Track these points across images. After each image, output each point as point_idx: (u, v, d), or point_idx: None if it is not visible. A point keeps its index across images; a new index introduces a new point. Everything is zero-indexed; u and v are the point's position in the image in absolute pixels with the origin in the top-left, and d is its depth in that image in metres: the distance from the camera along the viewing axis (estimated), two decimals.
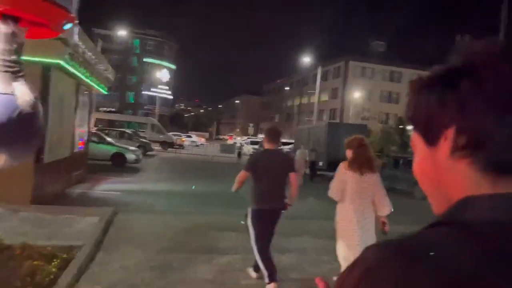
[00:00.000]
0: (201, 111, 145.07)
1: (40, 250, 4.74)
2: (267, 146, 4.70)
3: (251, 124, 75.53)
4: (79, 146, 11.56)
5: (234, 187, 4.65)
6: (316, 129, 22.97)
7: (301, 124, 58.79)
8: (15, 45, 1.26)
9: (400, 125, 41.01)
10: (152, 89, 66.14)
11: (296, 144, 25.42)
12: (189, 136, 46.38)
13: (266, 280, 4.36)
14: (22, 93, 1.21)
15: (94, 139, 16.39)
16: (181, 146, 32.49)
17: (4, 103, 1.16)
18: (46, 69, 7.65)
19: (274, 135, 4.72)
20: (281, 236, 6.79)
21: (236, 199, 8.42)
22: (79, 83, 10.42)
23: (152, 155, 25.01)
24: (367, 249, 0.56)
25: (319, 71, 46.48)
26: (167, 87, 69.95)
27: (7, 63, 1.22)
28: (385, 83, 58.72)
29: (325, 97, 62.10)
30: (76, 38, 7.92)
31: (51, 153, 8.31)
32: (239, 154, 27.91)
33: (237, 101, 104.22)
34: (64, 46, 7.70)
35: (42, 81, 7.60)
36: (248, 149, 30.27)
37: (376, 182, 4.25)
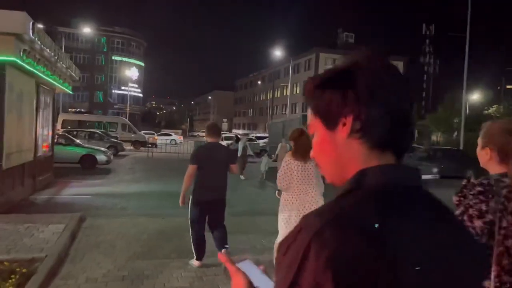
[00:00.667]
0: (173, 108, 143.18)
1: None
2: (209, 140, 5.12)
3: (224, 120, 75.09)
4: (43, 149, 10.93)
5: (183, 187, 4.97)
6: (290, 122, 22.82)
7: (275, 117, 58.74)
8: None
9: None
10: (122, 88, 64.53)
11: (270, 138, 25.24)
12: (168, 134, 44.85)
13: (194, 258, 5.07)
14: None
15: (61, 141, 15.67)
16: (154, 145, 31.71)
17: None
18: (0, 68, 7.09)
19: (214, 130, 5.16)
20: (260, 236, 6.52)
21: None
22: (39, 82, 9.80)
23: (124, 155, 24.27)
24: (308, 217, 0.68)
25: (291, 64, 46.44)
26: (136, 85, 68.47)
27: None
28: None
29: (297, 90, 62.29)
30: (31, 34, 7.37)
31: (10, 159, 7.75)
32: None
33: (209, 97, 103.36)
34: (18, 42, 7.15)
35: None
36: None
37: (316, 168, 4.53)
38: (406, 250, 0.63)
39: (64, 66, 10.81)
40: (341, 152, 0.76)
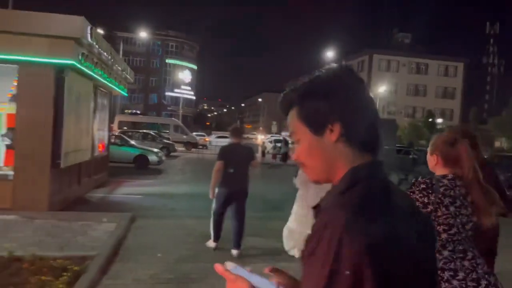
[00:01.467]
0: (224, 110, 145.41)
1: (50, 262, 4.43)
2: (233, 140, 5.98)
3: (274, 122, 74.97)
4: (99, 149, 11.37)
5: (212, 181, 5.79)
6: None
7: None
8: None
9: (430, 118, 39.66)
10: (175, 90, 66.49)
11: None
12: (225, 136, 44.55)
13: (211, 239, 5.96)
14: None
15: (116, 141, 16.28)
16: (204, 146, 32.24)
17: None
18: (59, 71, 7.40)
19: (237, 132, 6.02)
20: None
21: (261, 202, 7.97)
22: (96, 84, 10.19)
23: (176, 156, 24.88)
24: (329, 212, 0.81)
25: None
26: (189, 88, 70.21)
27: None
28: (411, 75, 57.07)
29: None
30: (89, 38, 7.65)
31: (68, 158, 8.08)
32: (263, 153, 27.39)
33: (259, 99, 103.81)
34: (77, 46, 7.44)
35: (56, 83, 7.36)
36: (271, 147, 29.63)
37: None
38: (402, 230, 0.81)
39: (120, 69, 11.19)
40: (329, 154, 0.90)
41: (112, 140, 14.90)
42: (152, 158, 16.38)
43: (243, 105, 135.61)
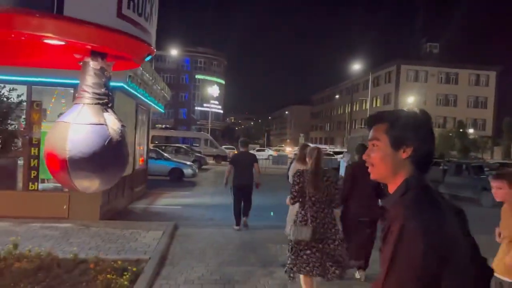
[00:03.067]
0: (251, 123, 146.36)
1: (111, 264, 5.00)
2: (241, 150, 8.66)
3: (301, 134, 75.10)
4: (140, 163, 12.10)
5: (225, 177, 8.63)
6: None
7: (353, 132, 57.64)
8: (103, 79, 1.37)
9: (461, 129, 38.95)
10: (204, 105, 67.91)
11: (349, 153, 24.86)
12: (262, 150, 43.49)
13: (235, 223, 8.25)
14: (112, 123, 1.31)
15: (153, 155, 17.08)
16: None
17: (97, 133, 1.27)
18: None
19: (244, 143, 8.74)
20: None
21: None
22: (138, 103, 10.95)
23: (207, 169, 25.57)
24: (394, 210, 1.25)
25: (370, 77, 45.49)
26: (217, 102, 71.55)
27: (98, 96, 1.33)
28: (441, 85, 56.19)
29: (377, 103, 60.51)
30: None
31: None
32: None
33: (286, 112, 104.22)
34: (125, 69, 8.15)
35: None
36: None
37: None
38: (444, 218, 1.19)
39: (159, 87, 11.94)
40: (396, 165, 1.32)
41: (150, 154, 15.67)
42: (187, 171, 17.07)
43: (269, 117, 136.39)
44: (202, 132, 42.58)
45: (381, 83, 59.76)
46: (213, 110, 66.81)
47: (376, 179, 1.37)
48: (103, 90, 1.33)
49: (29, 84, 7.92)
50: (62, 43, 1.25)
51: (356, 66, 47.91)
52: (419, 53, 61.61)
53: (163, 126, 51.48)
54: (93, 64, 1.31)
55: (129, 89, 8.48)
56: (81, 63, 1.33)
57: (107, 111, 1.32)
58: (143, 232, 7.18)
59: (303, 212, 4.33)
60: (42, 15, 1.05)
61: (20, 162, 8.20)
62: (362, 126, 61.31)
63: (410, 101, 49.85)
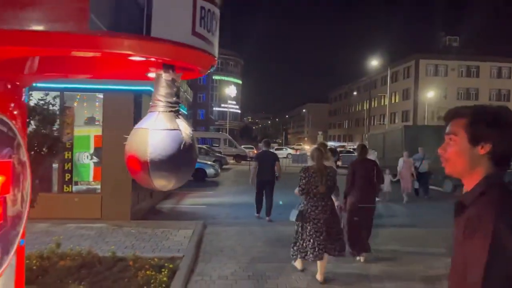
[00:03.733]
0: (269, 122, 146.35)
1: (149, 261, 5.22)
2: (264, 149, 9.67)
3: (319, 132, 74.86)
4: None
5: (251, 174, 9.54)
6: (391, 133, 22.21)
7: (372, 128, 57.16)
8: (175, 89, 1.54)
9: None
10: (221, 105, 68.39)
11: (374, 150, 24.68)
12: (279, 149, 43.40)
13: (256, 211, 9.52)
14: (184, 128, 1.48)
15: None
16: (253, 159, 32.99)
17: (173, 137, 1.43)
18: (137, 96, 8.40)
19: (266, 143, 9.82)
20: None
21: None
22: None
23: (228, 169, 25.83)
24: (477, 208, 1.27)
25: (389, 72, 45.04)
26: (235, 102, 71.95)
27: (170, 104, 1.50)
28: (462, 79, 55.19)
29: (396, 99, 59.83)
30: None
31: None
32: None
33: (303, 110, 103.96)
34: None
35: (135, 106, 8.35)
36: None
37: None
38: None
39: (182, 90, 12.21)
40: (473, 161, 1.33)
41: None
42: (210, 171, 17.32)
43: (287, 116, 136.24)
44: (222, 133, 42.94)
45: (400, 79, 59.06)
46: (231, 110, 67.22)
47: (451, 174, 1.39)
48: (174, 99, 1.49)
49: (61, 91, 8.24)
50: (144, 59, 1.42)
51: (374, 62, 47.51)
52: (438, 47, 60.63)
53: None
54: (165, 76, 1.47)
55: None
56: (154, 76, 1.49)
57: (178, 118, 1.48)
58: (173, 231, 7.41)
59: (305, 201, 5.30)
60: (133, 37, 1.21)
61: (55, 165, 8.53)
62: (381, 122, 60.75)
63: (430, 96, 49.17)
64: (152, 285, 4.49)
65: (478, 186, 1.30)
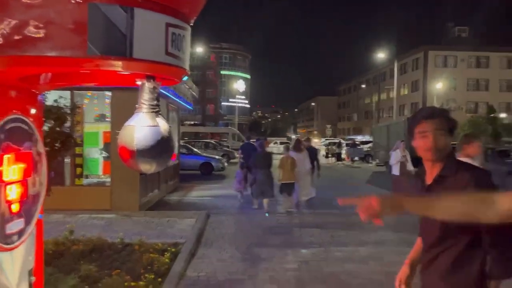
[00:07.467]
0: (278, 116, 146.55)
1: (153, 246, 5.72)
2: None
3: (328, 126, 74.91)
4: (172, 158, 12.88)
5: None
6: (395, 125, 22.44)
7: (381, 120, 57.14)
8: (155, 94, 1.98)
9: (491, 114, 38.02)
10: (230, 100, 68.89)
11: (375, 142, 24.95)
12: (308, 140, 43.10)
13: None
14: (162, 125, 1.92)
15: (184, 151, 17.93)
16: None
17: (154, 132, 1.87)
18: None
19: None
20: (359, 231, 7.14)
21: (318, 200, 8.90)
22: (168, 102, 11.72)
23: (236, 163, 26.31)
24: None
25: (396, 64, 44.98)
26: (243, 97, 72.36)
27: (152, 107, 1.95)
28: (471, 70, 54.79)
29: (405, 91, 59.64)
30: None
31: None
32: (327, 155, 27.89)
33: (312, 104, 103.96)
34: None
35: None
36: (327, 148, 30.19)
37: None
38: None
39: (187, 87, 12.68)
40: (449, 148, 1.85)
41: (180, 150, 16.51)
42: (217, 165, 17.86)
43: (296, 110, 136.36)
44: (230, 127, 43.46)
45: (409, 70, 58.82)
46: (240, 104, 67.65)
47: (436, 161, 1.88)
48: (155, 102, 1.93)
49: (72, 89, 8.76)
50: (129, 73, 1.88)
51: (382, 55, 47.44)
52: (448, 37, 60.17)
53: (192, 122, 52.68)
54: (148, 85, 1.91)
55: (160, 90, 9.18)
56: (139, 84, 1.95)
57: (158, 117, 1.93)
58: (178, 220, 7.92)
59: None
60: (120, 59, 1.66)
61: (67, 160, 9.09)
62: (390, 115, 60.63)
63: (438, 87, 48.97)
64: (155, 265, 4.99)
65: (453, 163, 1.85)
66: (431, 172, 1.88)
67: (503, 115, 43.82)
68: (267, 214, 8.91)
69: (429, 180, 1.90)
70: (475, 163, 11.69)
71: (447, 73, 52.49)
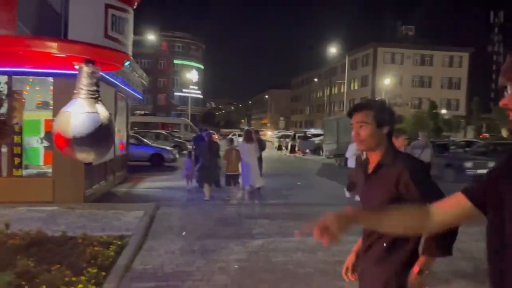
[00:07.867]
0: (232, 108, 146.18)
1: (98, 239, 5.51)
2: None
3: (281, 118, 75.81)
4: (120, 149, 12.48)
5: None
6: (344, 119, 23.07)
7: (332, 114, 58.66)
8: (94, 80, 1.88)
9: (433, 110, 40.26)
10: (183, 90, 67.70)
11: (325, 135, 25.54)
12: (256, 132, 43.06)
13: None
14: (102, 112, 1.82)
15: (133, 141, 17.40)
16: None
17: (92, 119, 1.77)
18: None
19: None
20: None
21: (268, 191, 8.96)
22: (116, 90, 11.28)
23: None
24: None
25: (347, 60, 46.24)
26: (197, 87, 71.38)
27: (91, 92, 1.84)
28: (416, 67, 57.51)
29: (355, 85, 61.50)
30: None
31: None
32: (280, 147, 28.46)
33: (266, 96, 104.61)
34: None
35: None
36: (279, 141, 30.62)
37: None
38: None
39: (137, 75, 12.27)
40: (379, 139, 1.94)
41: (130, 140, 16.00)
42: (168, 156, 17.49)
43: (250, 102, 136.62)
44: (182, 118, 42.76)
45: (359, 66, 60.68)
46: (193, 95, 66.69)
47: (365, 150, 2.01)
48: (94, 88, 1.82)
49: (9, 74, 8.19)
50: (65, 55, 1.76)
51: (334, 50, 48.57)
52: (395, 35, 62.72)
53: (142, 112, 51.27)
54: (86, 69, 1.81)
55: (107, 77, 8.83)
56: (78, 68, 1.83)
57: (98, 103, 1.83)
58: (125, 212, 7.68)
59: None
60: (53, 40, 1.55)
61: (3, 150, 8.51)
62: (341, 108, 62.38)
63: (386, 83, 50.97)
64: (99, 259, 4.80)
65: (390, 153, 1.91)
66: (372, 161, 1.97)
67: (443, 111, 46.58)
68: (206, 198, 9.69)
69: (370, 169, 1.98)
70: (426, 155, 11.89)
71: (395, 70, 54.73)
